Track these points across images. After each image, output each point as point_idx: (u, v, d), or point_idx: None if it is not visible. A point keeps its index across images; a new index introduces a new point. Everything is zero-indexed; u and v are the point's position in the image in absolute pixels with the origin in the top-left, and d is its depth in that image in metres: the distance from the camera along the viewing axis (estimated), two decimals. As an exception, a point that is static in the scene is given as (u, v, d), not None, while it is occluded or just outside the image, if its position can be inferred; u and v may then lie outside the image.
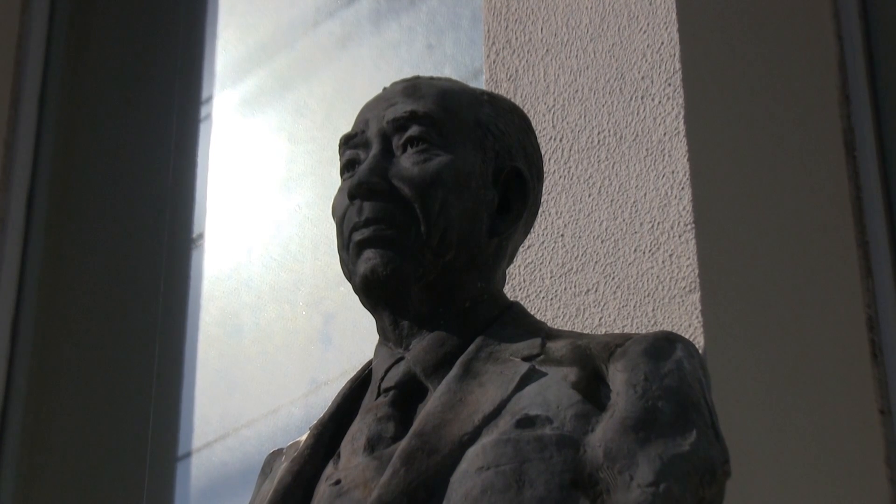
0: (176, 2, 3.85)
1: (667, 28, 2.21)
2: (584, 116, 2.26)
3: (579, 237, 2.17)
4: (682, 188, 2.08)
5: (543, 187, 1.90)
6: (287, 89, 3.50)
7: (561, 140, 2.27)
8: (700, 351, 1.72)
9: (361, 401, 1.69)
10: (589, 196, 2.20)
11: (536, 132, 1.86)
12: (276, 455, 1.79)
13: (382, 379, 1.66)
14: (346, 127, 1.77)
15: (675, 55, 2.18)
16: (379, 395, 1.65)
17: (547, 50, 2.36)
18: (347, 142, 1.74)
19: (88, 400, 3.51)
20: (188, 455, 3.28)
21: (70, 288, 3.69)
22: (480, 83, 2.47)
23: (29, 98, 3.86)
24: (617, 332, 2.03)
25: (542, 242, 2.21)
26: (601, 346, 1.59)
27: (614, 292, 2.09)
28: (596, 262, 2.14)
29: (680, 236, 2.06)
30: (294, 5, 3.56)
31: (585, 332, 2.01)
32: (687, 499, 1.45)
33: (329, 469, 1.62)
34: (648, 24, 2.23)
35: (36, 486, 3.49)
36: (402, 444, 1.53)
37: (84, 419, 3.49)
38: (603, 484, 1.46)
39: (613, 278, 2.10)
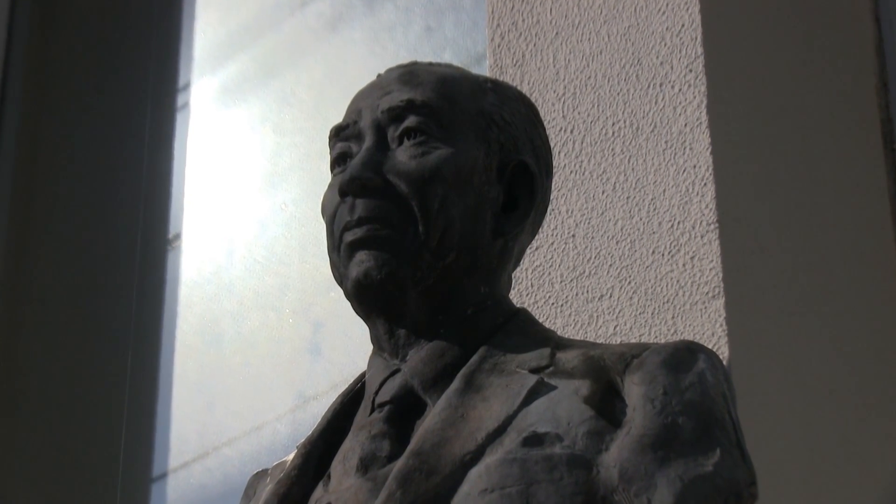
0: (150, -20, 3.86)
1: (688, 9, 2.21)
2: (598, 106, 2.26)
3: (592, 238, 2.18)
4: (705, 184, 2.09)
5: (553, 183, 1.91)
6: (272, 76, 3.51)
7: (572, 132, 2.28)
8: (724, 362, 1.72)
9: (353, 417, 1.70)
10: (603, 193, 2.20)
11: (545, 123, 1.86)
12: (260, 476, 1.79)
13: (377, 393, 1.66)
14: (337, 117, 1.77)
15: (696, 38, 2.18)
16: (373, 410, 1.65)
17: (556, 33, 2.37)
18: (338, 133, 1.74)
19: (56, 416, 3.51)
20: (164, 476, 3.29)
21: (35, 293, 3.69)
22: (484, 69, 2.47)
23: (-11, 85, 3.86)
24: (633, 341, 2.04)
25: (552, 243, 2.22)
26: (616, 356, 1.59)
27: (630, 298, 2.10)
28: (610, 266, 2.14)
29: (702, 237, 2.06)
30: (280, -16, 3.57)
31: (599, 341, 2.02)
32: (710, 524, 1.46)
33: (318, 491, 1.62)
34: (668, 5, 2.24)
35: (-3, 510, 3.50)
36: (399, 464, 1.53)
37: (52, 437, 3.49)
38: (618, 507, 1.46)
39: (629, 283, 2.11)
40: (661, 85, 2.19)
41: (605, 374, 1.57)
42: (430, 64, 1.79)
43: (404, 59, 1.87)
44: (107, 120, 3.77)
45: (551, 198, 1.88)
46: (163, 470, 3.29)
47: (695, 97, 2.15)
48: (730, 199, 2.09)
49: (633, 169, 2.18)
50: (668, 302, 2.05)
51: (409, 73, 1.75)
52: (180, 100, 3.70)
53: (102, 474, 3.36)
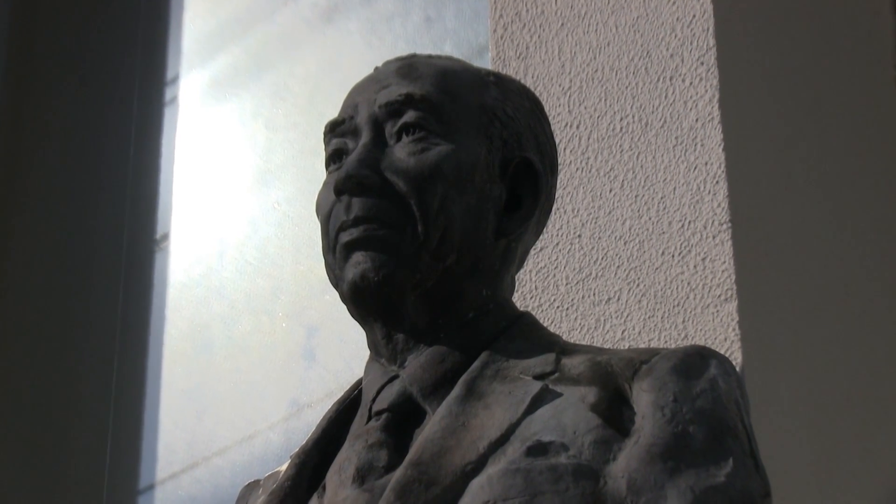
0: (137, -31, 3.86)
1: (699, -1, 2.21)
2: (605, 100, 2.26)
3: (599, 238, 2.18)
4: (717, 182, 2.09)
5: (558, 181, 1.91)
6: (264, 69, 3.51)
7: (578, 127, 2.28)
8: (737, 368, 1.72)
9: (350, 425, 1.70)
10: (610, 191, 2.20)
11: (550, 118, 1.87)
12: (252, 487, 1.80)
13: (374, 400, 1.66)
14: (332, 112, 1.77)
15: (708, 30, 2.18)
16: (370, 418, 1.66)
17: (562, 24, 2.37)
18: (333, 129, 1.74)
19: (39, 426, 3.51)
20: (151, 487, 3.29)
21: (16, 296, 3.69)
22: (486, 62, 2.48)
23: (-31, 79, 3.86)
24: (642, 346, 2.04)
25: (557, 244, 2.22)
26: (624, 362, 1.59)
27: (639, 301, 2.10)
28: (618, 267, 2.14)
29: (714, 237, 2.06)
30: (272, -28, 3.57)
31: (606, 346, 2.02)
32: (722, 537, 1.46)
33: (313, 503, 1.62)
34: (678, -5, 2.24)
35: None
36: (397, 474, 1.53)
37: (34, 448, 3.49)
38: (626, 520, 1.47)
39: (638, 285, 2.11)
40: (671, 78, 2.19)
41: (612, 381, 1.57)
42: (430, 56, 1.79)
43: (403, 51, 1.87)
44: (91, 114, 3.77)
45: (556, 196, 1.89)
46: (150, 481, 3.29)
47: (706, 91, 2.15)
48: (743, 197, 2.09)
49: (641, 166, 2.18)
50: (678, 305, 2.05)
51: (408, 66, 1.75)
52: (168, 94, 3.71)
53: (87, 486, 3.36)
